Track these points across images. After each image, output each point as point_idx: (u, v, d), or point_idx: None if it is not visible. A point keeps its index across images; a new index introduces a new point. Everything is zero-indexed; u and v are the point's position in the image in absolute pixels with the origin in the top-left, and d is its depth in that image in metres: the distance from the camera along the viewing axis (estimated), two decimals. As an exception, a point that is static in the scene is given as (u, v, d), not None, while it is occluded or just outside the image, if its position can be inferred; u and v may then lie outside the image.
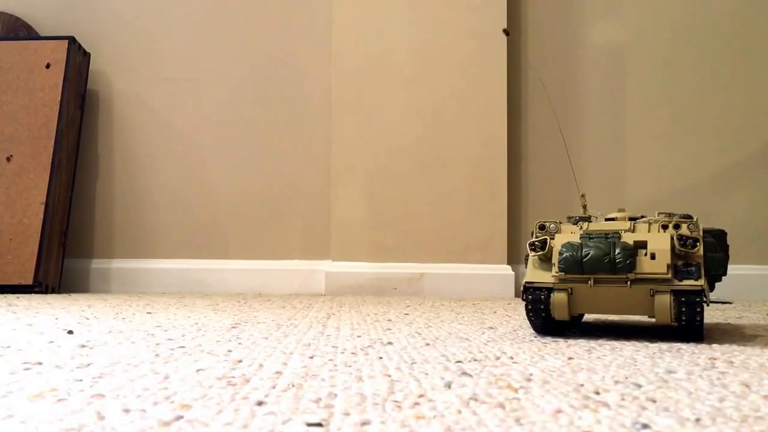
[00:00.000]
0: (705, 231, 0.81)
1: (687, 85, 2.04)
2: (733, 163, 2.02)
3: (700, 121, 2.03)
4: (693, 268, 0.76)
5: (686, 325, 0.76)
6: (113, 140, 2.10)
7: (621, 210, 0.86)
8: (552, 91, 2.05)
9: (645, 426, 0.37)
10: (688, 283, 0.75)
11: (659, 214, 0.83)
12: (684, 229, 0.78)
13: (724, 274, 0.83)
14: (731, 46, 2.04)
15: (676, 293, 0.76)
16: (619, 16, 2.06)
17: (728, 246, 0.87)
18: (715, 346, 0.74)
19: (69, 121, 1.96)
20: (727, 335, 0.87)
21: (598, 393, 0.47)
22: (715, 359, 0.64)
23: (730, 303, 1.64)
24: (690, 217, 0.81)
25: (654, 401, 0.44)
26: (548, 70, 2.06)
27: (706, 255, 0.78)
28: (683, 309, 0.75)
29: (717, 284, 2.00)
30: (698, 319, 0.76)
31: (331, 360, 0.62)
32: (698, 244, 0.76)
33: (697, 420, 0.39)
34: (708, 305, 0.78)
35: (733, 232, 1.97)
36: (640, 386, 0.49)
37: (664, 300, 0.76)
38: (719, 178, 2.02)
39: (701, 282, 0.75)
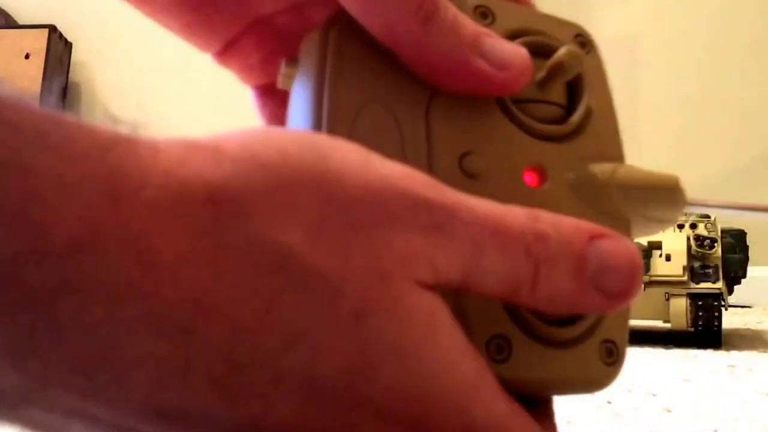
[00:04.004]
0: (723, 231, 0.81)
1: (703, 77, 2.04)
2: (752, 159, 2.02)
3: (717, 114, 2.03)
4: (710, 270, 0.76)
5: (703, 331, 0.76)
6: (96, 135, 2.10)
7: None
8: (561, 82, 2.05)
9: (660, 436, 0.37)
10: (705, 286, 0.75)
11: (675, 212, 0.83)
12: (701, 229, 0.78)
13: (744, 276, 0.83)
14: (749, 36, 2.04)
15: (693, 296, 0.76)
16: (631, 5, 2.07)
17: (748, 247, 0.87)
18: (733, 352, 0.74)
19: (49, 114, 1.96)
20: (747, 341, 0.87)
21: (610, 402, 0.47)
22: (733, 366, 0.64)
23: (749, 307, 1.65)
24: (707, 216, 0.81)
25: (670, 410, 0.44)
26: (557, 61, 2.06)
27: (725, 256, 0.78)
28: (700, 313, 0.75)
29: (736, 287, 2.00)
30: (716, 323, 0.76)
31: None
32: (716, 244, 0.76)
33: (715, 430, 0.39)
34: (726, 309, 0.78)
35: (752, 232, 1.97)
36: (655, 395, 0.50)
37: (680, 304, 0.76)
38: (738, 174, 2.02)
39: (719, 285, 0.75)
